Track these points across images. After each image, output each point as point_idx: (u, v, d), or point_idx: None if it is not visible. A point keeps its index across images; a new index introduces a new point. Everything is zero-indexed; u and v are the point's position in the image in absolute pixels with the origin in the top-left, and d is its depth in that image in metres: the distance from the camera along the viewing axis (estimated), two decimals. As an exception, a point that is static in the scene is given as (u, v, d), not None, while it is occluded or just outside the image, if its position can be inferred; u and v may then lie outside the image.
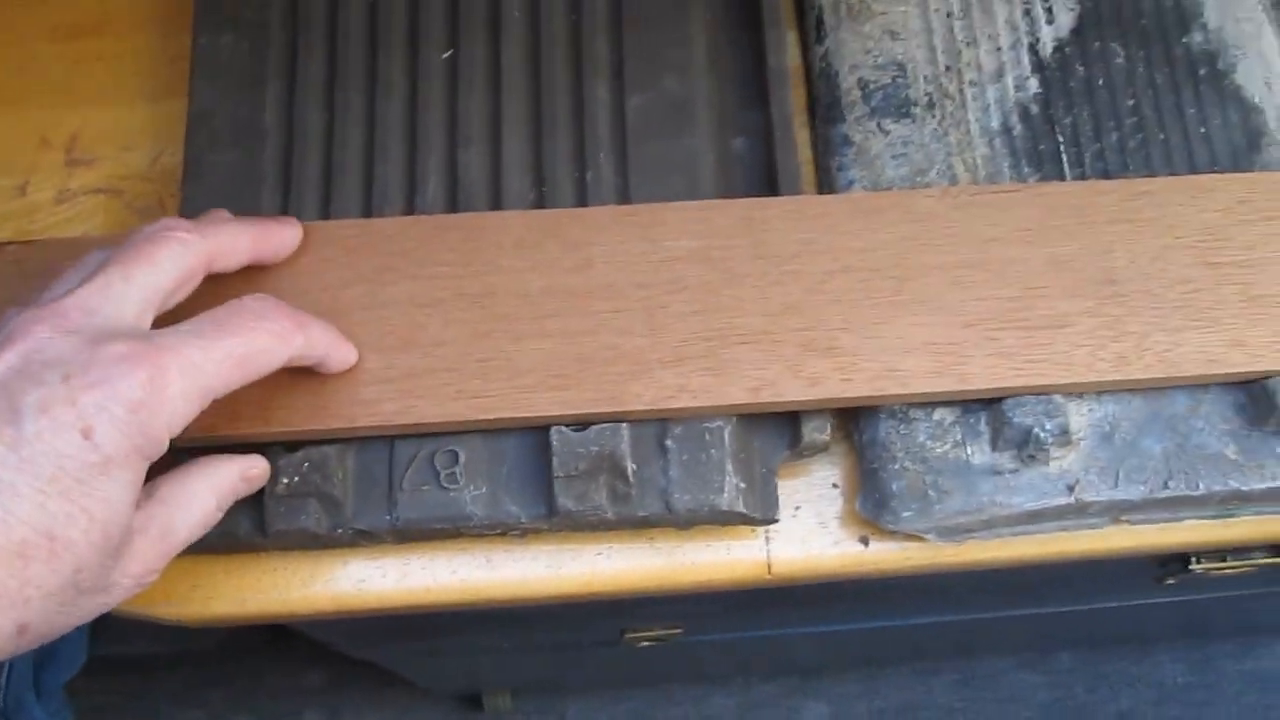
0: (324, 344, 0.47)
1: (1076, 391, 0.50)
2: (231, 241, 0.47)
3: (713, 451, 0.49)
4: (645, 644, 0.77)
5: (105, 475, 0.39)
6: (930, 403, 0.51)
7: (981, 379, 0.49)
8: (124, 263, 0.43)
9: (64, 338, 0.40)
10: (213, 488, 0.45)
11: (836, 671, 1.22)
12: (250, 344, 0.43)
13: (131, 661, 1.09)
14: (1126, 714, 1.22)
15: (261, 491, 0.49)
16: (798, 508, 0.53)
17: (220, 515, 0.46)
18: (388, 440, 0.50)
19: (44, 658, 0.80)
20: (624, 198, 0.53)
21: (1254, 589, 0.80)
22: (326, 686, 1.20)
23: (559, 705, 1.20)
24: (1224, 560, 0.63)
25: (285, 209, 0.53)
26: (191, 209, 0.53)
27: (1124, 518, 0.52)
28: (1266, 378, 0.50)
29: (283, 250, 0.50)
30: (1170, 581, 0.66)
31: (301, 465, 0.49)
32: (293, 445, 0.49)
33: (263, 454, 0.49)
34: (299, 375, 0.49)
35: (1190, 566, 0.63)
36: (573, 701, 1.20)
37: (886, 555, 0.53)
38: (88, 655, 0.93)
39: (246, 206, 0.53)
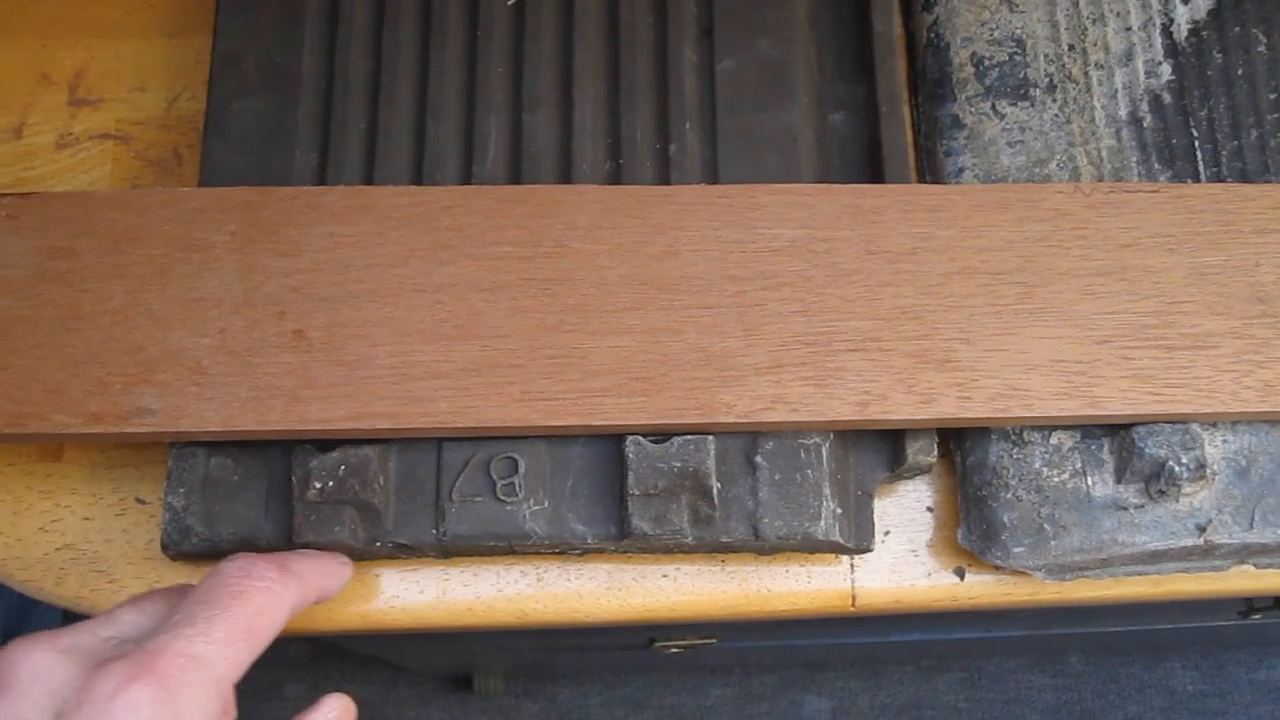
0: (318, 577, 0.41)
1: (1215, 421, 0.45)
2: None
3: (809, 472, 0.43)
4: (674, 651, 0.72)
5: None
6: (1049, 425, 0.45)
7: (1115, 403, 0.43)
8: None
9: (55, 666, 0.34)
10: None
11: (839, 665, 1.17)
12: (248, 609, 0.37)
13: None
14: (1134, 720, 1.18)
15: (290, 494, 0.43)
16: (887, 532, 0.47)
17: None
18: (435, 442, 0.44)
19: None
20: (711, 175, 0.47)
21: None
22: (309, 659, 1.14)
23: (551, 689, 1.15)
24: (1322, 599, 0.58)
25: (323, 169, 0.47)
26: (213, 164, 0.47)
27: (1251, 560, 0.47)
28: None
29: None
30: (1256, 617, 0.61)
31: (337, 468, 0.42)
32: (327, 444, 0.43)
33: (291, 454, 0.43)
34: (336, 363, 0.42)
35: (1286, 604, 0.58)
36: (565, 686, 1.15)
37: (984, 590, 0.47)
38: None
39: (277, 164, 0.47)
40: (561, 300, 0.43)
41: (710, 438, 0.43)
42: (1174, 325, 0.44)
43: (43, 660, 0.34)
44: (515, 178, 0.47)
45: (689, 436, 0.42)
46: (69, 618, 0.45)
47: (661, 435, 0.43)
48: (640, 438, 0.43)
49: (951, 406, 0.43)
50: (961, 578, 0.47)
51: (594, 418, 0.42)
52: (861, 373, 0.43)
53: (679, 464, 0.42)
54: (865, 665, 1.17)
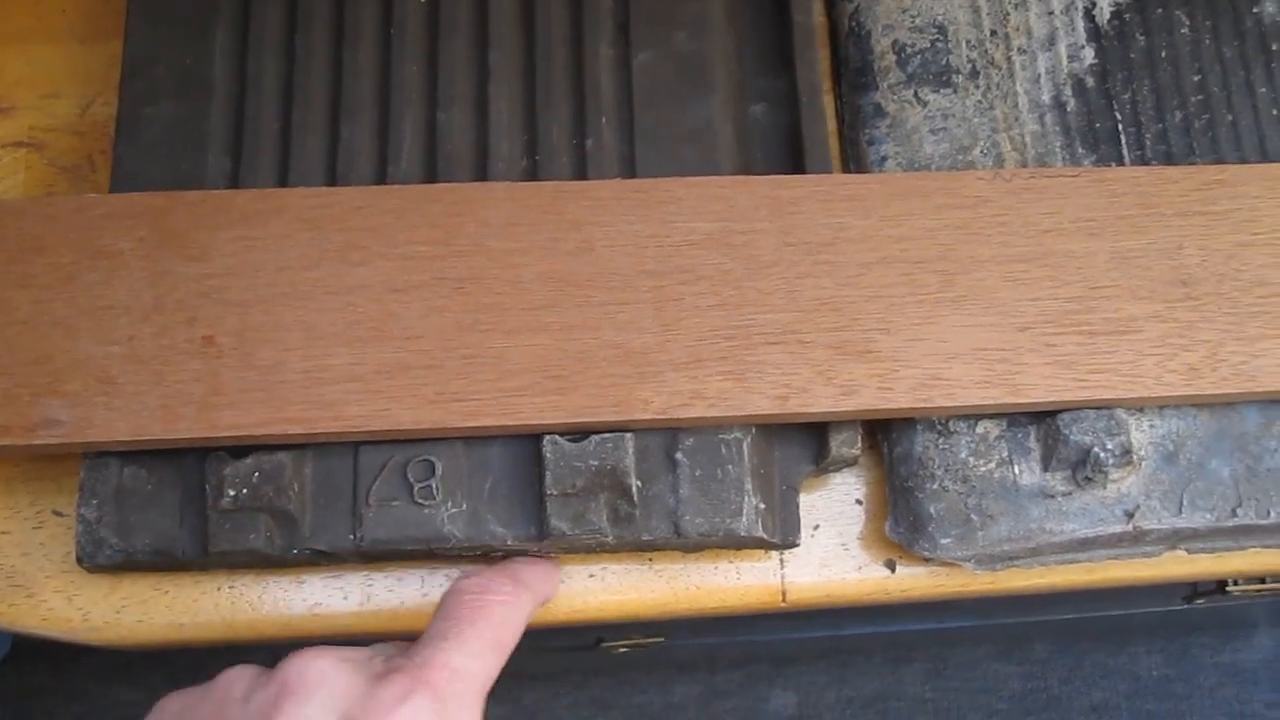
0: (541, 584, 0.43)
1: (1139, 405, 0.45)
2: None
3: (729, 467, 0.43)
4: (623, 650, 0.71)
5: None
6: (974, 414, 0.45)
7: (1038, 390, 0.43)
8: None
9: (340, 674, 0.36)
10: None
11: (805, 659, 1.16)
12: (493, 621, 0.39)
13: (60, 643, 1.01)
14: (1100, 707, 1.18)
15: (204, 502, 0.42)
16: (816, 526, 0.47)
17: None
18: (352, 446, 0.43)
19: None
20: (629, 170, 0.46)
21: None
22: (273, 662, 1.13)
23: (516, 691, 1.14)
24: (1264, 582, 0.58)
25: (235, 173, 0.46)
26: (124, 170, 0.46)
27: (1183, 545, 0.46)
28: (1349, 394, 0.45)
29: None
30: (1200, 601, 0.61)
31: (251, 475, 0.42)
32: (240, 450, 0.42)
33: (205, 460, 0.42)
34: (247, 368, 0.42)
35: (1228, 589, 0.58)
36: (532, 687, 1.14)
37: (915, 582, 0.47)
38: (12, 640, 0.86)
39: (189, 169, 0.46)
40: (476, 299, 0.43)
41: (629, 435, 0.42)
42: (1096, 310, 0.44)
43: (327, 666, 0.36)
44: (431, 177, 0.46)
45: (607, 434, 0.42)
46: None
47: (580, 433, 0.42)
48: (558, 437, 0.42)
49: (872, 398, 0.42)
50: (893, 570, 0.47)
51: (509, 418, 0.42)
52: (781, 366, 0.42)
53: (596, 462, 0.42)
54: (831, 658, 1.16)
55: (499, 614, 0.39)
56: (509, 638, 0.39)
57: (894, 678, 1.17)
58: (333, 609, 0.45)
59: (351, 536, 0.42)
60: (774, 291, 0.43)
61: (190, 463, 0.43)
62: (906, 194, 0.45)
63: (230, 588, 0.45)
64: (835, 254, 0.44)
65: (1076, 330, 0.44)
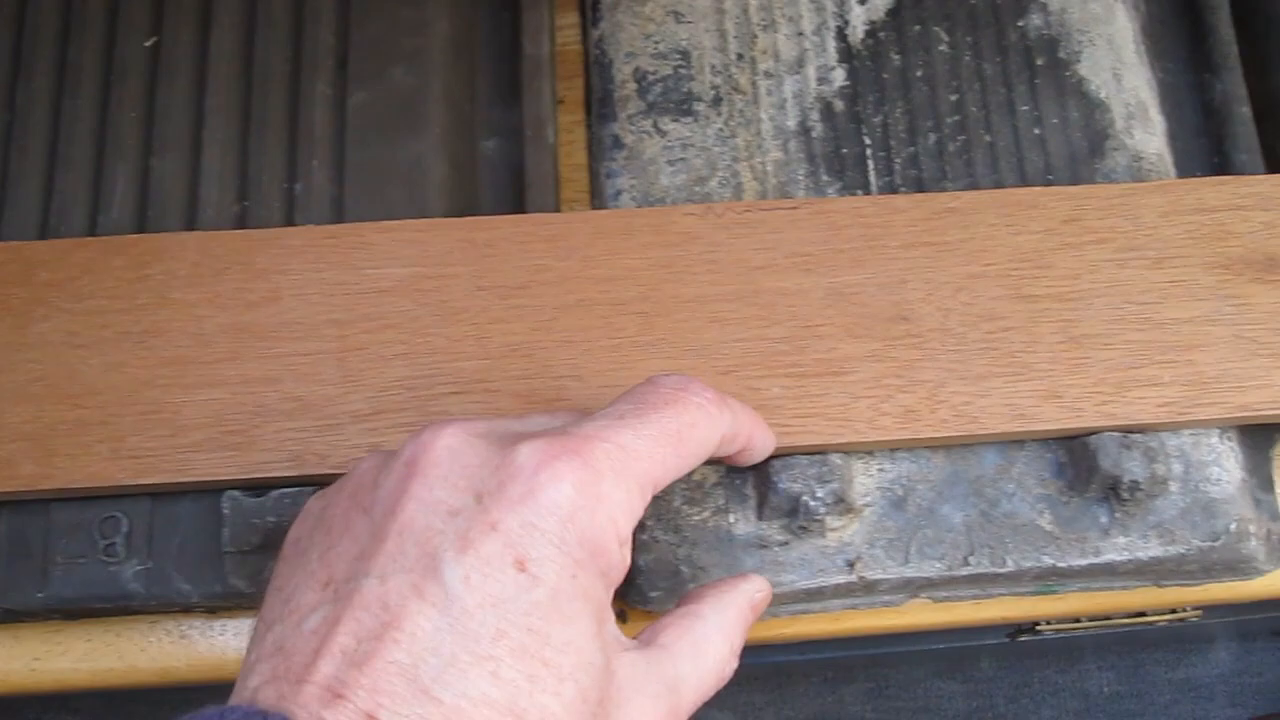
0: (749, 422, 0.37)
1: (854, 450, 0.43)
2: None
3: (417, 522, 0.41)
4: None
5: (557, 613, 0.30)
6: (687, 460, 0.43)
7: (737, 438, 0.41)
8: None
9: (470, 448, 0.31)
10: (724, 629, 0.36)
11: (742, 681, 1.15)
12: (681, 418, 0.33)
13: None
14: (1051, 725, 1.15)
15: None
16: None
17: (735, 663, 0.36)
18: (45, 503, 0.42)
19: None
20: (338, 213, 0.45)
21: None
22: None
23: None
24: (1077, 622, 0.55)
25: (-52, 225, 0.45)
26: None
27: (923, 594, 0.44)
28: (1088, 434, 0.42)
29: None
30: (1023, 639, 0.58)
31: (-66, 535, 0.41)
32: (-74, 510, 0.42)
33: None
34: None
35: (1039, 629, 0.55)
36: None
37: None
38: None
39: (-99, 222, 0.45)
40: (158, 354, 0.42)
41: (311, 489, 0.41)
42: (807, 351, 0.42)
43: (457, 441, 0.31)
44: (141, 225, 0.45)
45: (287, 490, 0.41)
46: None
47: (260, 489, 0.41)
48: (237, 493, 0.41)
49: (559, 448, 0.41)
50: (624, 620, 0.45)
51: (184, 474, 0.41)
52: (464, 416, 0.41)
53: (275, 519, 0.40)
54: (769, 679, 1.14)
55: (692, 415, 0.34)
56: (695, 442, 0.34)
57: (834, 698, 1.14)
58: (51, 665, 0.45)
59: (39, 594, 0.42)
60: (463, 338, 0.42)
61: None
62: (611, 232, 0.43)
63: (-56, 645, 0.45)
64: (530, 297, 0.42)
65: (784, 373, 0.42)
